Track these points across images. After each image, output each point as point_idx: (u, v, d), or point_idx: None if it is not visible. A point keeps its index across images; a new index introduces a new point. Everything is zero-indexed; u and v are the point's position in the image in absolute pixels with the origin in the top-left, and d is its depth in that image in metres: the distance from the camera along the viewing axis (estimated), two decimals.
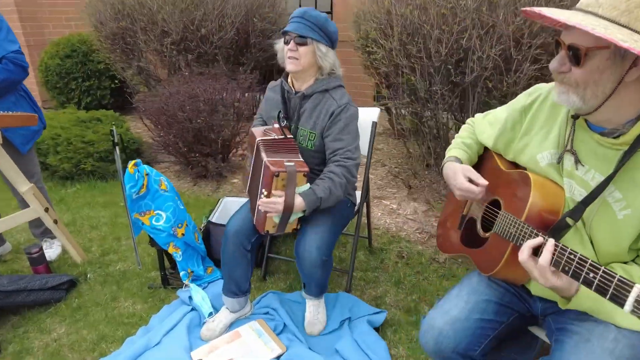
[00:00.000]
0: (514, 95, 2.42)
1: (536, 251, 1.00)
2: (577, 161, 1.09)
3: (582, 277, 0.87)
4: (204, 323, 1.89)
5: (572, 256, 0.91)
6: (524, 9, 0.99)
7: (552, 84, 1.25)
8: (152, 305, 2.06)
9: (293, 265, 2.35)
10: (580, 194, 1.10)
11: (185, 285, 2.09)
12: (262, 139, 1.67)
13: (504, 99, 2.49)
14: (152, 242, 2.14)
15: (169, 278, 2.19)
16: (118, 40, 3.88)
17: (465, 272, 2.25)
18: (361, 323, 1.83)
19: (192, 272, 2.11)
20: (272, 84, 1.92)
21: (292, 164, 1.55)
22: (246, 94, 3.37)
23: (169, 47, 3.65)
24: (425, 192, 3.15)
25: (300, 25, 1.62)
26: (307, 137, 1.74)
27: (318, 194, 1.59)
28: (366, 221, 2.40)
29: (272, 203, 1.55)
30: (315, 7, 5.70)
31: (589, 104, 0.94)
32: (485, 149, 1.48)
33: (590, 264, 0.86)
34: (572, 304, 1.01)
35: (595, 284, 0.83)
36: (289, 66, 1.68)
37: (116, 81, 4.43)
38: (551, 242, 0.96)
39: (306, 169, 1.56)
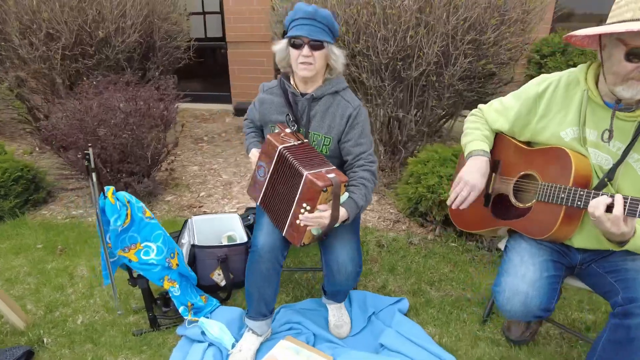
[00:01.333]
0: (452, 87, 2.75)
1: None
2: (611, 137, 1.32)
3: None
4: (229, 355, 1.70)
5: None
6: (604, 31, 1.16)
7: (558, 73, 1.49)
8: (153, 354, 1.75)
9: (287, 275, 2.26)
10: (605, 159, 1.36)
11: (190, 321, 1.83)
12: (284, 147, 1.57)
13: (442, 90, 2.79)
14: (136, 280, 1.82)
15: (158, 317, 1.89)
16: None
17: (440, 249, 2.48)
18: (393, 313, 1.88)
19: (192, 304, 1.86)
20: (265, 85, 1.81)
21: (334, 175, 1.50)
22: (175, 103, 3.05)
23: (60, 53, 3.06)
24: None
25: (314, 29, 1.55)
26: (322, 142, 1.69)
27: (358, 202, 1.57)
28: None
29: (317, 218, 1.48)
30: (203, 8, 5.39)
31: None
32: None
33: None
34: (629, 245, 1.25)
35: None
36: (303, 72, 1.60)
37: None
38: (619, 197, 1.17)
39: (345, 178, 1.53)
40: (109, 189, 1.63)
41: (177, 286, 1.81)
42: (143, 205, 1.77)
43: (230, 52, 5.26)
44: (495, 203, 1.62)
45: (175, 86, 3.26)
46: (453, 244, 2.51)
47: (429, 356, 1.65)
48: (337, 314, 1.89)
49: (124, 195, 1.68)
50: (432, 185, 2.52)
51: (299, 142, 1.64)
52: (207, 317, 1.87)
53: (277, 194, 1.61)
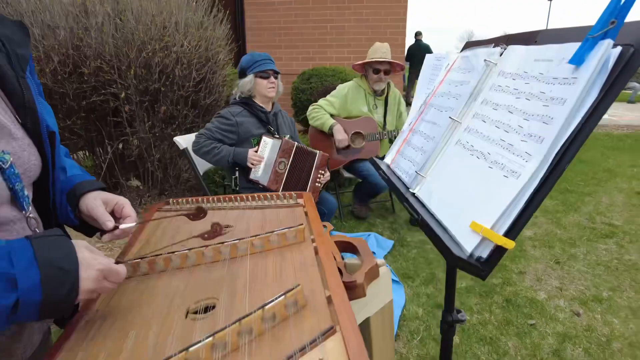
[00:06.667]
0: (213, 104, 3.75)
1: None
2: (380, 107, 3.21)
3: None
4: None
5: None
6: (380, 59, 2.93)
7: (348, 83, 3.21)
8: None
9: None
10: (379, 117, 3.28)
11: None
12: (296, 144, 2.37)
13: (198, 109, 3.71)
14: None
15: None
16: None
17: None
18: None
19: None
20: (233, 112, 2.34)
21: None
22: None
23: None
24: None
25: (273, 65, 2.39)
26: None
27: None
28: None
29: (327, 176, 2.48)
30: None
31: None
32: None
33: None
34: None
35: None
36: (271, 93, 2.39)
37: None
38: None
39: None
40: None
41: None
42: None
43: None
44: (340, 151, 3.18)
45: None
46: None
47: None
48: None
49: None
50: None
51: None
52: None
53: (297, 174, 2.39)
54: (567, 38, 0.66)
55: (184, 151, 2.51)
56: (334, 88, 3.27)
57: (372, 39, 6.94)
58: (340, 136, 3.04)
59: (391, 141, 3.28)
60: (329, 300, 0.62)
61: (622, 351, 1.97)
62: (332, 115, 3.17)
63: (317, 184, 2.42)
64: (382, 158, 3.18)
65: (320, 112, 3.13)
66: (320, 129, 3.15)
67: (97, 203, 0.84)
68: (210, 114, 3.69)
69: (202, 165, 2.58)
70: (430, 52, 9.60)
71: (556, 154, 0.57)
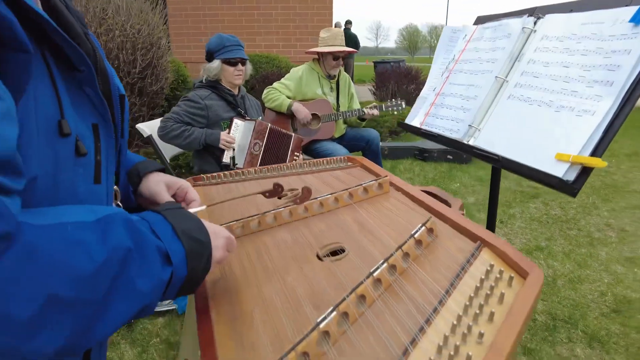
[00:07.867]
0: (158, 92, 3.57)
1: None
2: (332, 90, 3.33)
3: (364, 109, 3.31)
4: None
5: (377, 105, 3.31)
6: (338, 50, 3.04)
7: (302, 66, 3.27)
8: None
9: None
10: (333, 99, 3.40)
11: None
12: (270, 125, 2.39)
13: (145, 97, 3.53)
14: None
15: None
16: None
17: None
18: None
19: None
20: (201, 95, 2.28)
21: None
22: None
23: None
24: None
25: (241, 52, 2.37)
26: None
27: None
28: None
29: (301, 159, 2.54)
30: None
31: None
32: None
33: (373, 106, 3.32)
34: (365, 123, 3.41)
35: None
36: (238, 80, 2.38)
37: None
38: (375, 108, 3.27)
39: None
40: None
41: None
42: None
43: None
44: (298, 131, 3.25)
45: None
46: None
47: None
48: None
49: None
50: None
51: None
52: None
53: (271, 155, 2.42)
54: (606, 5, 0.82)
55: (149, 138, 2.38)
56: (273, 75, 3.30)
57: (300, 27, 7.05)
58: (302, 114, 3.09)
59: (345, 122, 3.43)
60: (455, 227, 0.72)
61: (565, 286, 2.35)
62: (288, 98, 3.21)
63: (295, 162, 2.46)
64: (337, 139, 3.40)
65: (277, 94, 3.15)
66: (277, 111, 3.18)
67: (161, 187, 0.79)
68: (155, 102, 3.51)
69: (166, 153, 2.48)
70: (357, 41, 10.03)
71: (626, 92, 0.73)
